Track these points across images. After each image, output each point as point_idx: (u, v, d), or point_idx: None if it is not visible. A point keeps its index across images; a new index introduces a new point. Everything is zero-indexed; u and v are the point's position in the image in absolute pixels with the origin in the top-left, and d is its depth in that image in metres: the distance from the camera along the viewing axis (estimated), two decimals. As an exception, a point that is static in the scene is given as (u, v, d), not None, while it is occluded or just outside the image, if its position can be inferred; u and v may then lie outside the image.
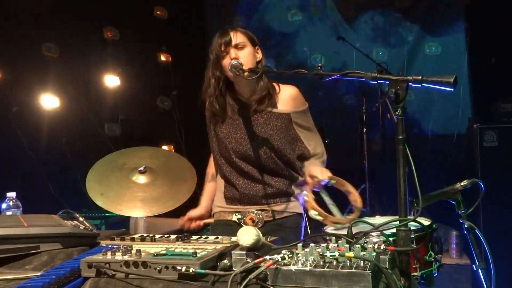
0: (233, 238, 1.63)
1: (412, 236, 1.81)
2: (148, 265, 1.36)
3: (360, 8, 6.08)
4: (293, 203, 2.29)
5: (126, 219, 3.64)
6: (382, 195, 5.19)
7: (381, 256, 1.36)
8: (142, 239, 1.70)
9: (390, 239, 1.61)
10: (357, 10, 6.09)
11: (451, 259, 4.11)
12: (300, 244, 1.38)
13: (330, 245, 1.38)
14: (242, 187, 2.26)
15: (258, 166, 2.24)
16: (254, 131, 2.22)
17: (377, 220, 2.21)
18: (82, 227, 1.78)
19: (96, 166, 2.87)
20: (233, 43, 2.15)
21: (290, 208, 2.28)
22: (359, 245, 1.36)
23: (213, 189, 2.46)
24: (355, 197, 2.08)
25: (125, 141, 5.08)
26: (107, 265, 1.37)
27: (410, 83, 1.47)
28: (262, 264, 1.28)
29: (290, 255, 1.31)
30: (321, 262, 1.27)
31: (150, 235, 1.74)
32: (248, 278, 1.25)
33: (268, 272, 1.26)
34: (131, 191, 2.75)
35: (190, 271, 1.31)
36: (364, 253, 1.33)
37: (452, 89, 1.45)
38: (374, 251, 1.36)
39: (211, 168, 2.50)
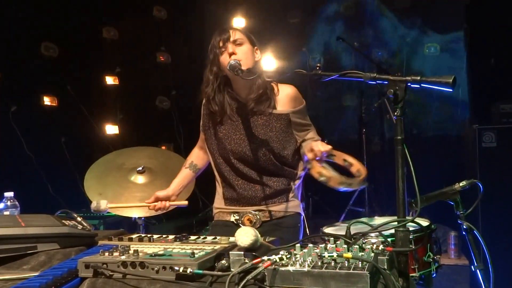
0: (231, 239, 1.63)
1: (411, 236, 1.81)
2: (145, 265, 1.35)
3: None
4: (291, 203, 2.28)
5: (125, 219, 3.64)
6: (381, 195, 5.20)
7: (379, 257, 1.36)
8: (140, 239, 1.70)
9: (389, 239, 1.61)
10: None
11: (450, 260, 4.11)
12: (298, 245, 1.38)
13: (329, 245, 1.38)
14: (240, 188, 2.26)
15: (257, 168, 2.24)
16: (253, 133, 2.22)
17: (376, 220, 2.21)
18: (80, 227, 1.78)
19: (94, 166, 2.87)
20: (232, 39, 2.15)
21: (287, 208, 2.27)
22: (357, 246, 1.36)
23: (187, 175, 2.45)
24: (357, 167, 2.03)
25: (123, 141, 5.08)
26: (105, 265, 1.37)
27: (409, 84, 1.47)
28: (260, 264, 1.28)
29: (288, 256, 1.30)
30: (319, 263, 1.27)
31: (148, 235, 1.73)
32: (246, 279, 1.25)
33: (266, 273, 1.26)
34: (130, 191, 2.75)
35: (188, 271, 1.31)
36: (362, 253, 1.32)
37: (451, 90, 1.45)
38: (373, 251, 1.36)
39: (190, 157, 2.49)
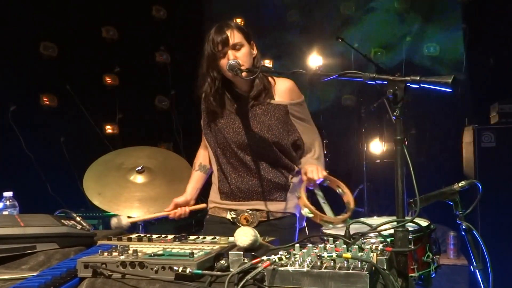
0: (231, 239, 1.63)
1: (410, 236, 1.81)
2: (145, 265, 1.35)
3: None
4: (288, 203, 2.28)
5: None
6: (380, 195, 5.20)
7: (378, 257, 1.36)
8: (139, 239, 1.69)
9: (388, 239, 1.60)
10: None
11: (449, 260, 4.11)
12: (297, 245, 1.38)
13: (328, 246, 1.38)
14: (237, 181, 2.25)
15: (257, 156, 2.23)
16: (252, 121, 2.22)
17: (375, 220, 2.21)
18: (79, 227, 1.78)
19: (93, 165, 2.87)
20: (231, 43, 2.13)
21: (285, 209, 2.27)
22: (356, 246, 1.36)
23: (199, 178, 2.45)
24: (348, 198, 2.09)
25: (123, 141, 5.08)
26: (104, 265, 1.37)
27: (408, 84, 1.47)
28: (259, 264, 1.28)
29: (287, 256, 1.30)
30: (319, 263, 1.27)
31: (148, 235, 1.73)
32: (245, 279, 1.24)
33: (265, 273, 1.26)
34: (129, 190, 2.75)
35: (187, 271, 1.30)
36: (362, 254, 1.32)
37: (450, 90, 1.45)
38: (372, 252, 1.36)
39: (198, 158, 2.49)
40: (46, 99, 4.68)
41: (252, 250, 1.41)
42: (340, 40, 5.18)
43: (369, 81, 1.56)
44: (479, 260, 2.11)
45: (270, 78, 2.27)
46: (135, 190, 2.75)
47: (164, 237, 1.71)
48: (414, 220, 1.53)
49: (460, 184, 2.08)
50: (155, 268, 1.34)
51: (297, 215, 2.33)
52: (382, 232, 1.63)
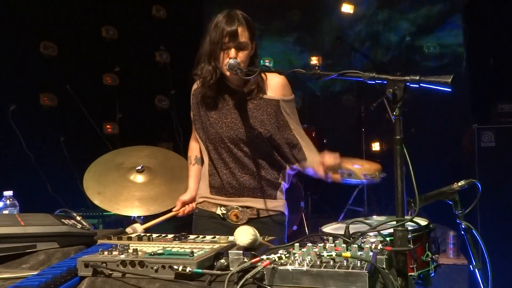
0: (230, 238, 1.63)
1: (410, 236, 1.82)
2: (145, 264, 1.35)
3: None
4: (278, 202, 2.27)
5: (124, 218, 3.63)
6: (380, 195, 5.20)
7: (378, 256, 1.36)
8: (139, 238, 1.70)
9: (387, 239, 1.61)
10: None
11: (448, 259, 4.11)
12: (297, 244, 1.38)
13: (327, 245, 1.38)
14: (229, 177, 2.24)
15: (249, 152, 2.21)
16: (245, 116, 2.20)
17: (375, 220, 2.21)
18: (79, 226, 1.78)
19: (93, 165, 2.87)
20: (238, 40, 2.10)
21: (274, 207, 2.27)
22: (356, 245, 1.36)
23: (199, 171, 2.42)
24: (370, 167, 2.13)
25: (122, 140, 5.08)
26: (104, 264, 1.37)
27: (408, 83, 1.47)
28: (259, 263, 1.28)
29: (287, 255, 1.31)
30: (318, 262, 1.27)
31: (147, 234, 1.73)
32: (245, 278, 1.25)
33: (265, 272, 1.26)
34: (129, 190, 2.75)
35: (187, 270, 1.31)
36: (361, 253, 1.33)
37: (450, 90, 1.45)
38: (371, 251, 1.36)
39: (192, 152, 2.46)
40: (46, 99, 4.68)
41: (252, 249, 1.41)
42: (339, 40, 5.20)
43: (369, 80, 1.57)
44: (478, 260, 2.11)
45: (262, 74, 2.25)
46: (135, 190, 2.76)
47: (164, 236, 1.71)
48: (413, 219, 1.54)
49: (459, 184, 2.08)
50: (155, 267, 1.34)
51: (287, 214, 2.33)
52: (381, 232, 1.64)
